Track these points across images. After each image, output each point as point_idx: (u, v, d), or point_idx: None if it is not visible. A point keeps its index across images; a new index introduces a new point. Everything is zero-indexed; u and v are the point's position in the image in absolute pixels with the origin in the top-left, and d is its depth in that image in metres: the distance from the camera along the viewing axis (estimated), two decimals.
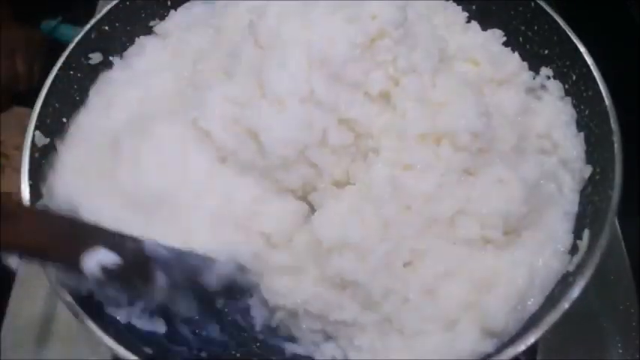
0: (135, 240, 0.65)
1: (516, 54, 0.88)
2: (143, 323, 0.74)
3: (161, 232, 0.70)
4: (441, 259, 0.70)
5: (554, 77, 0.86)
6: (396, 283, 0.70)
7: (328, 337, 0.74)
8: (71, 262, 0.60)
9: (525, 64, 0.87)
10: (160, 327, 0.75)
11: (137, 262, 0.65)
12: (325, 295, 0.72)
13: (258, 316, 0.78)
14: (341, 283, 0.70)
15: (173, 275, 0.67)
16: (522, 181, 0.73)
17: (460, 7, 0.93)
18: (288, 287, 0.73)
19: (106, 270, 0.60)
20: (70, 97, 0.84)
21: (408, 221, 0.70)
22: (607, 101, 0.75)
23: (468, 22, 0.92)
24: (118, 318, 0.72)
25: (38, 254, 0.60)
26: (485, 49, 0.86)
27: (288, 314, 0.75)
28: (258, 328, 0.77)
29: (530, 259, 0.72)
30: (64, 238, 0.61)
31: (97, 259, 0.60)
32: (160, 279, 0.66)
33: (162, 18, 0.96)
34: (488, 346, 0.67)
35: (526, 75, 0.86)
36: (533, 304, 0.69)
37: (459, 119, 0.71)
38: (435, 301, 0.70)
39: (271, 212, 0.75)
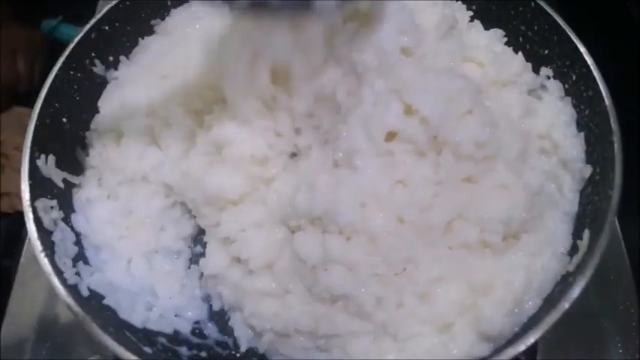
0: None
1: (520, 54, 0.88)
2: (161, 326, 0.74)
3: None
4: (436, 264, 0.70)
5: (554, 77, 0.86)
6: (389, 291, 0.69)
7: (321, 350, 0.73)
8: None
9: (529, 64, 0.87)
10: (184, 326, 0.76)
11: None
12: (315, 312, 0.71)
13: (243, 339, 0.76)
14: (330, 298, 0.70)
15: None
16: (526, 187, 0.72)
17: (464, 7, 0.93)
18: (274, 310, 0.73)
19: None
20: (70, 97, 0.85)
21: (399, 232, 0.70)
22: (607, 101, 0.75)
23: (471, 21, 0.92)
24: (132, 323, 0.72)
25: None
26: (489, 49, 0.87)
27: (277, 336, 0.74)
28: (243, 349, 0.76)
29: (528, 261, 0.72)
30: None
31: None
32: None
33: (162, 18, 0.96)
34: (484, 349, 0.67)
35: (529, 75, 0.86)
36: (530, 306, 0.69)
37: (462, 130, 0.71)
38: (430, 304, 0.69)
39: (256, 240, 0.75)
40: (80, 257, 0.77)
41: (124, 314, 0.72)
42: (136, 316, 0.73)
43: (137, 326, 0.72)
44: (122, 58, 0.92)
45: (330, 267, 0.69)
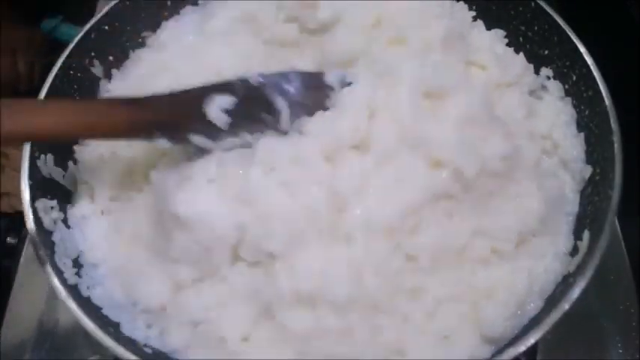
0: (240, 79, 0.72)
1: (521, 55, 0.88)
2: (162, 343, 0.72)
3: None
4: (445, 284, 0.68)
5: (554, 77, 0.86)
6: (392, 319, 0.67)
7: None
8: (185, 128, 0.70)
9: (531, 65, 0.87)
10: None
11: (251, 95, 0.71)
12: None
13: None
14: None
15: (288, 95, 0.72)
16: (543, 193, 0.72)
17: (467, 6, 0.92)
18: None
19: (228, 111, 0.69)
20: (70, 97, 0.84)
21: (408, 268, 0.67)
22: (607, 101, 0.75)
23: (474, 20, 0.92)
24: (135, 338, 0.71)
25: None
26: (492, 51, 0.86)
27: None
28: None
29: (532, 264, 0.72)
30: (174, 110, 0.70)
31: (216, 104, 0.69)
32: (279, 101, 0.71)
33: (162, 18, 0.96)
34: (485, 351, 0.67)
35: (530, 76, 0.86)
36: (532, 308, 0.69)
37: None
38: (435, 319, 0.68)
39: (227, 318, 0.69)
40: (84, 265, 0.76)
41: (126, 330, 0.71)
42: (137, 332, 0.71)
43: (140, 342, 0.71)
44: (114, 71, 0.91)
45: (325, 335, 0.65)
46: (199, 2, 0.97)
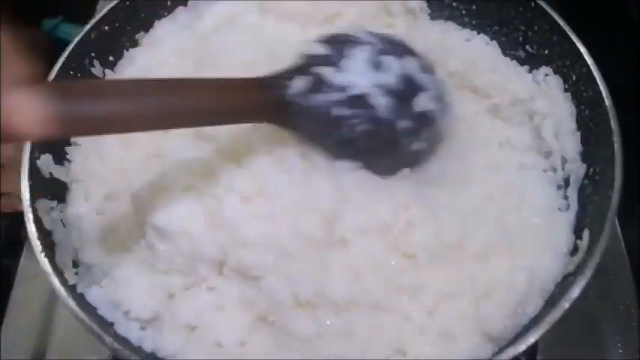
0: None
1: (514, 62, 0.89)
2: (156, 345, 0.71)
3: None
4: (445, 282, 0.68)
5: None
6: (392, 319, 0.67)
7: None
8: None
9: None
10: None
11: None
12: None
13: None
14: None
15: None
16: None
17: (460, 27, 0.94)
18: None
19: None
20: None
21: (407, 267, 0.68)
22: (607, 101, 0.75)
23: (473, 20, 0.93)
24: (130, 339, 0.70)
25: None
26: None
27: None
28: None
29: (531, 263, 0.71)
30: None
31: None
32: None
33: (162, 17, 0.96)
34: (487, 350, 0.67)
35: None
36: (533, 307, 0.69)
37: None
38: (436, 317, 0.68)
39: (223, 323, 0.68)
40: (80, 265, 0.76)
41: (121, 330, 0.71)
42: (132, 333, 0.71)
43: (134, 344, 0.70)
44: (107, 71, 0.90)
45: (326, 337, 0.65)
46: (189, 3, 0.96)
